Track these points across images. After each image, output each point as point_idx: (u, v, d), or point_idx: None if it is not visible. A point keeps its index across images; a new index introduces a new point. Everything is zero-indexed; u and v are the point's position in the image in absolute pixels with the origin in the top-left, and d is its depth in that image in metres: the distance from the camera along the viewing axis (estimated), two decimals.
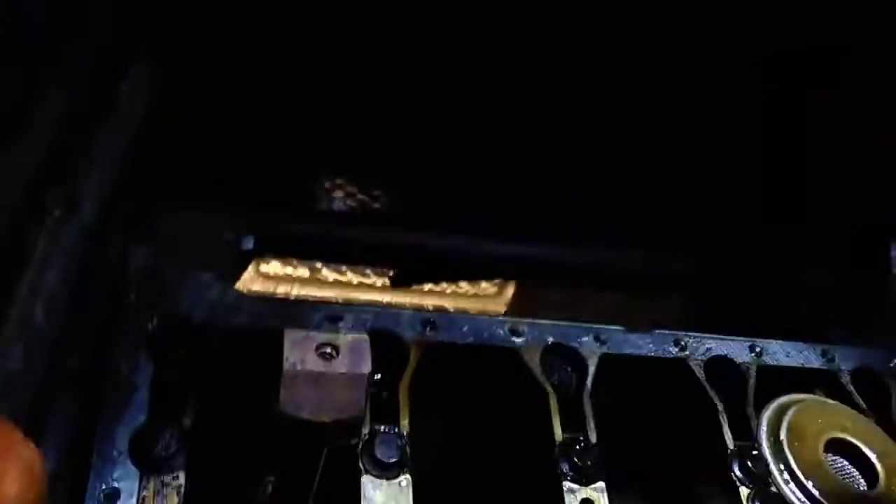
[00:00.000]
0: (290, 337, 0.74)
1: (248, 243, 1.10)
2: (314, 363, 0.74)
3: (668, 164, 1.49)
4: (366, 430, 0.97)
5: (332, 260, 1.35)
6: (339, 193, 1.38)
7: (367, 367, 0.77)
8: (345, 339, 0.78)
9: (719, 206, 1.48)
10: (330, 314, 1.02)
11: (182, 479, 0.87)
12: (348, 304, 0.89)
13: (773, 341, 1.25)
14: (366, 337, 0.79)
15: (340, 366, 0.76)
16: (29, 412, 0.67)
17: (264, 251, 1.18)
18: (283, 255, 1.28)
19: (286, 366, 0.73)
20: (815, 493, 0.88)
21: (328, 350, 0.76)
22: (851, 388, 1.20)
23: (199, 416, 0.90)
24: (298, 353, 0.74)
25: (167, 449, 0.86)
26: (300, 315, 0.98)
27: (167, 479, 0.86)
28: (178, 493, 0.86)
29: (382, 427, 0.98)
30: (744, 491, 1.08)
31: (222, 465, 0.93)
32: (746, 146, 1.41)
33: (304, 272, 1.58)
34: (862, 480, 0.94)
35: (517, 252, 1.43)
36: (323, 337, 0.77)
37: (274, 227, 1.17)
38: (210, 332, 0.97)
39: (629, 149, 1.48)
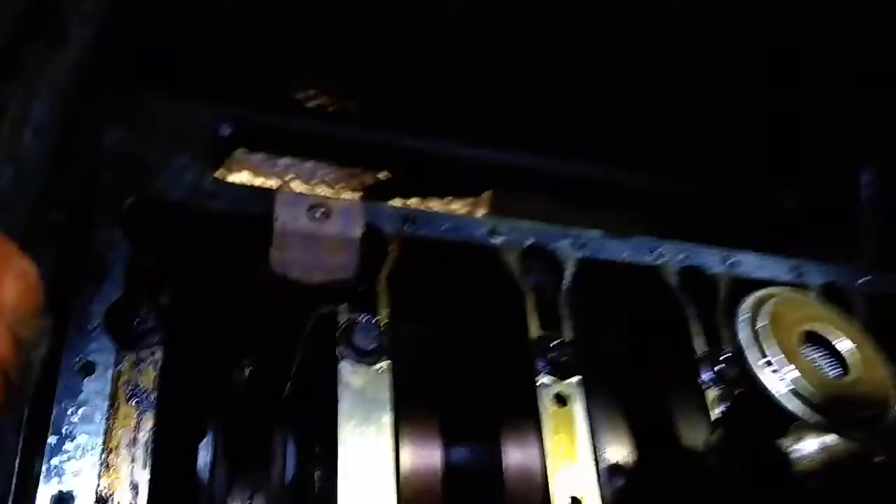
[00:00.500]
0: (282, 197, 0.72)
1: (225, 131, 1.07)
2: (306, 223, 0.72)
3: (651, 77, 1.48)
4: (344, 319, 0.97)
5: (306, 156, 1.32)
6: (314, 92, 1.34)
7: (359, 230, 0.76)
8: (336, 202, 0.77)
9: (699, 119, 1.48)
10: (310, 204, 1.01)
11: (159, 356, 0.85)
12: (328, 198, 0.87)
13: (746, 253, 1.26)
14: (358, 201, 0.78)
15: (332, 227, 0.74)
16: (20, 236, 0.65)
17: (240, 142, 1.15)
18: (258, 148, 1.25)
19: (277, 224, 0.71)
20: (791, 378, 0.90)
21: (320, 212, 0.75)
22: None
23: (176, 295, 0.89)
24: (289, 212, 0.72)
25: (143, 324, 0.85)
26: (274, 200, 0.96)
27: (144, 354, 0.85)
28: (155, 369, 0.85)
29: (361, 316, 0.98)
30: (711, 393, 1.11)
31: (201, 346, 0.92)
32: (729, 61, 1.41)
33: (273, 183, 1.55)
34: (836, 369, 0.97)
35: (496, 159, 1.42)
36: (314, 199, 0.75)
37: (251, 117, 1.14)
38: (186, 214, 0.94)
39: (613, 61, 1.46)
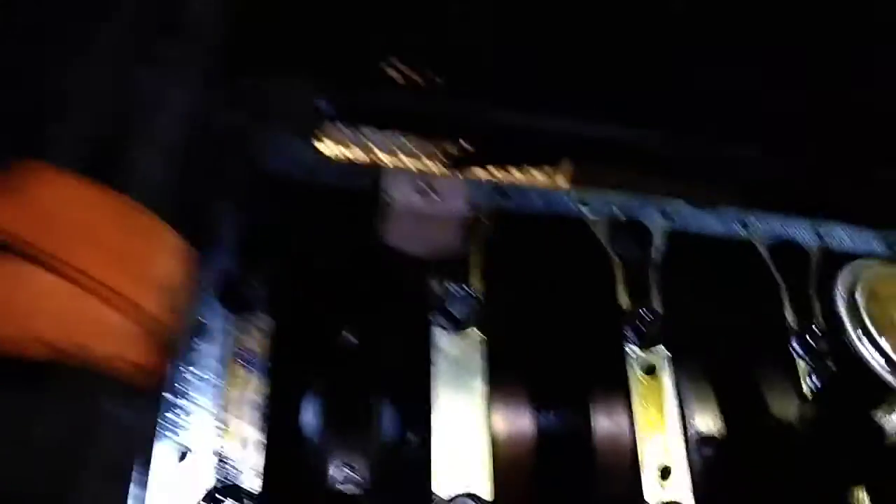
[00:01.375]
0: (390, 175, 0.76)
1: (324, 106, 1.11)
2: (416, 201, 0.75)
3: (731, 49, 1.46)
4: (439, 288, 1.00)
5: (395, 129, 1.34)
6: (404, 69, 1.37)
7: (464, 206, 0.78)
8: (442, 180, 0.79)
9: (786, 92, 1.46)
10: (418, 182, 1.03)
11: (268, 322, 0.90)
12: (434, 175, 0.89)
13: (837, 225, 1.24)
14: (461, 178, 0.80)
15: (440, 205, 0.77)
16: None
17: (339, 117, 1.19)
18: (350, 122, 1.29)
19: (389, 202, 0.74)
20: (888, 349, 0.89)
21: (428, 189, 0.78)
22: None
23: (284, 265, 0.93)
24: (400, 190, 0.76)
25: (255, 292, 0.89)
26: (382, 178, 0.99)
27: (253, 320, 0.90)
28: (263, 334, 0.89)
29: (455, 286, 1.00)
30: (801, 365, 1.11)
31: (306, 313, 0.97)
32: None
33: (364, 156, 1.58)
34: None
35: (577, 130, 1.42)
36: (421, 177, 0.78)
37: (347, 94, 1.17)
38: (294, 188, 0.98)
39: (691, 31, 1.45)
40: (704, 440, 1.06)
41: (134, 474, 0.79)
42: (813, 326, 1.12)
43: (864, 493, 1.07)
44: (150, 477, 0.79)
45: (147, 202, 0.65)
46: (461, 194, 0.79)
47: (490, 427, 0.96)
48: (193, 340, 0.86)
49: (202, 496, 0.79)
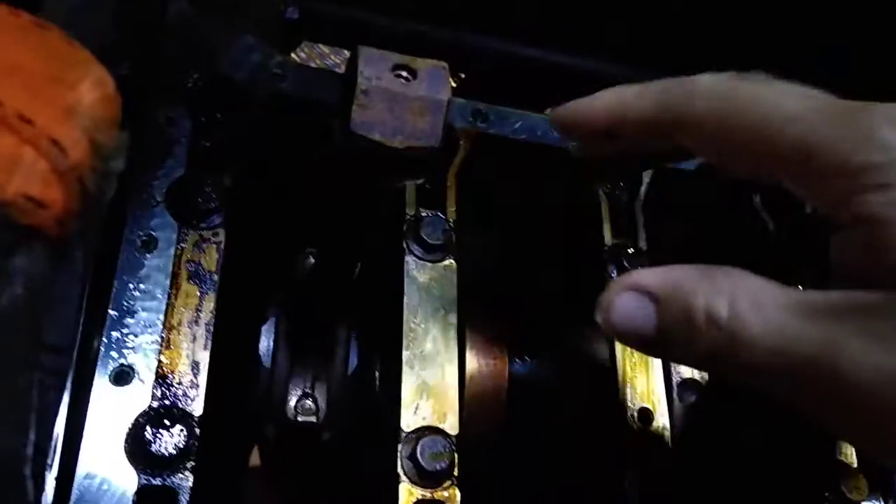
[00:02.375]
0: (366, 54, 0.67)
1: (294, 14, 1.02)
2: (391, 81, 0.67)
3: None
4: (411, 213, 0.93)
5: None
6: None
7: (446, 94, 0.70)
8: (423, 62, 0.71)
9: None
10: (395, 63, 0.94)
11: (222, 237, 0.82)
12: (414, 58, 0.80)
13: None
14: (445, 64, 0.72)
15: (418, 89, 0.69)
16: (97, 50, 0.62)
17: (307, 30, 1.11)
18: (323, 39, 1.20)
19: (360, 80, 0.66)
20: None
21: (405, 71, 0.70)
22: None
23: (241, 177, 0.85)
24: (373, 69, 0.67)
25: (207, 203, 0.82)
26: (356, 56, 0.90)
27: (206, 234, 0.82)
28: (217, 251, 0.82)
29: (429, 212, 0.93)
30: None
31: (265, 230, 0.89)
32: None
33: None
34: None
35: (564, 61, 1.34)
36: (399, 57, 0.70)
37: (319, 5, 1.09)
38: (252, 95, 0.90)
39: None
40: (687, 385, 1.00)
41: (68, 393, 0.73)
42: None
43: (851, 448, 1.03)
44: (90, 396, 0.73)
45: (74, 33, 0.57)
46: (443, 80, 0.71)
47: (461, 361, 0.90)
48: (139, 252, 0.79)
49: (143, 417, 0.72)
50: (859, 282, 0.52)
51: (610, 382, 0.94)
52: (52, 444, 0.69)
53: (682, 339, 0.55)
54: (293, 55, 1.19)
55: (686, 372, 1.02)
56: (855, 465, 1.01)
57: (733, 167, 0.61)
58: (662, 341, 0.56)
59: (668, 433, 0.92)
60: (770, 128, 0.56)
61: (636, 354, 0.96)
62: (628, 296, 0.58)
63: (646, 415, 0.92)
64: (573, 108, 0.70)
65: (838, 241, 0.54)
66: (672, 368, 1.01)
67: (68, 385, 0.70)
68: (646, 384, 0.95)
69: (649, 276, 0.57)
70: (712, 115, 0.60)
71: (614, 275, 0.99)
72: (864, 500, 0.97)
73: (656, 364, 0.96)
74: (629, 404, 0.93)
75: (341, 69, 1.23)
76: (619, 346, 0.95)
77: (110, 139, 0.54)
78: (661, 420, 0.93)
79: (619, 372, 0.94)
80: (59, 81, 0.51)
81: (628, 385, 0.94)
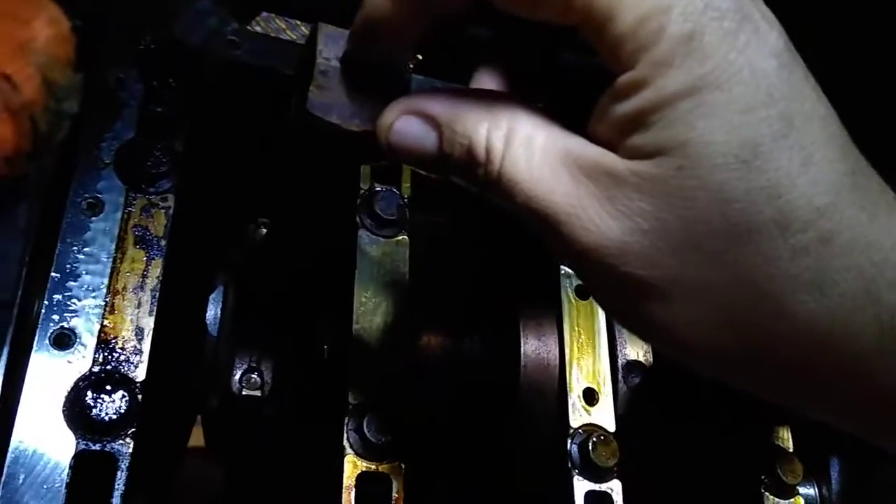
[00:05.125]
0: (324, 31, 0.65)
1: None
2: (349, 63, 0.65)
3: None
4: (365, 187, 0.93)
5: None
6: None
7: (406, 75, 0.69)
8: None
9: None
10: None
11: (171, 203, 0.81)
12: None
13: None
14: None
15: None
16: None
17: (270, 4, 1.09)
18: (283, 11, 1.18)
19: (318, 59, 0.64)
20: None
21: None
22: None
23: (192, 143, 0.84)
24: (333, 49, 0.65)
25: (156, 167, 0.80)
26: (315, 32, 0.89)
27: (155, 199, 0.80)
28: (166, 216, 0.80)
29: (383, 186, 0.93)
30: None
31: (216, 198, 0.88)
32: None
33: None
34: None
35: None
36: None
37: None
38: (205, 60, 0.88)
39: None
40: (633, 366, 1.02)
41: (6, 352, 0.71)
42: None
43: (788, 432, 1.06)
44: (28, 361, 0.71)
45: None
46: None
47: (411, 337, 0.90)
48: (84, 214, 0.77)
49: (83, 381, 0.71)
50: (610, 137, 0.51)
51: (556, 361, 0.95)
52: None
53: (461, 165, 0.55)
54: (250, 27, 1.16)
55: (632, 353, 1.04)
56: (791, 449, 1.04)
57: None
58: (442, 165, 0.57)
59: (611, 413, 0.93)
60: None
61: (583, 335, 0.98)
62: (410, 120, 0.58)
63: (590, 394, 0.93)
64: (357, 20, 0.60)
65: (609, 96, 0.52)
66: (619, 350, 1.03)
67: (6, 344, 0.68)
68: (591, 364, 0.96)
69: (433, 103, 0.57)
70: None
71: None
72: (799, 484, 1.00)
73: (603, 345, 0.97)
74: (574, 384, 0.94)
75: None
76: (566, 327, 0.96)
77: (64, 78, 0.53)
78: (606, 401, 0.94)
79: (567, 352, 0.95)
80: (12, 18, 0.49)
81: (574, 364, 0.95)
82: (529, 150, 0.52)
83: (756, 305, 0.50)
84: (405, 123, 0.58)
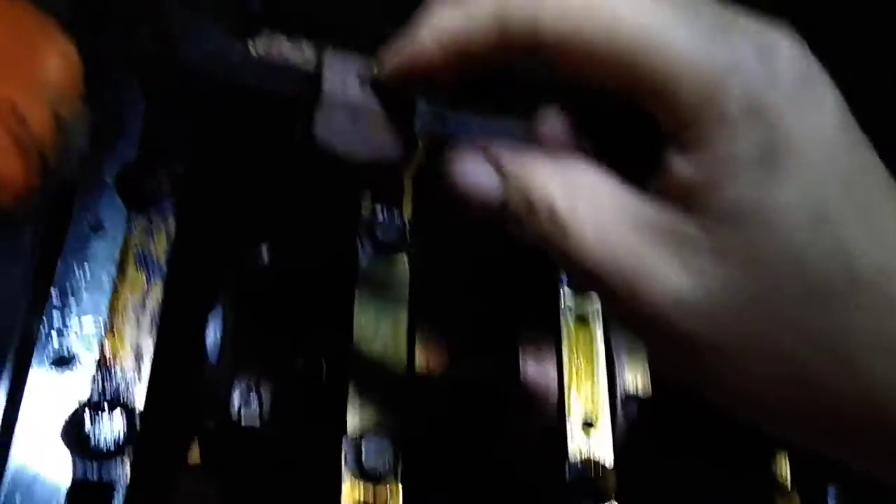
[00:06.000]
0: (330, 61, 0.65)
1: (255, 4, 1.01)
2: (355, 92, 0.65)
3: None
4: (366, 209, 0.93)
5: (335, 44, 1.24)
6: None
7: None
8: None
9: None
10: (360, 71, 0.93)
11: (173, 225, 0.81)
12: None
13: None
14: None
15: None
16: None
17: (271, 23, 1.09)
18: (292, 33, 1.18)
19: (324, 90, 0.64)
20: None
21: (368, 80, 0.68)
22: None
23: (195, 165, 0.84)
24: (338, 79, 0.65)
25: (158, 189, 0.80)
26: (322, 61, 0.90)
27: (156, 221, 0.80)
28: (167, 240, 0.80)
29: (384, 208, 0.93)
30: None
31: (218, 221, 0.88)
32: None
33: None
34: None
35: None
36: (363, 64, 0.68)
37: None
38: (208, 81, 0.89)
39: None
40: (631, 396, 1.01)
41: (7, 376, 0.71)
42: None
43: (787, 468, 1.06)
44: (26, 381, 0.71)
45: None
46: None
47: (410, 361, 0.89)
48: (86, 235, 0.77)
49: (81, 407, 0.70)
50: (678, 197, 0.50)
51: (556, 386, 0.95)
52: None
53: (521, 219, 0.54)
54: (251, 47, 1.17)
55: (631, 383, 1.03)
56: (789, 483, 1.04)
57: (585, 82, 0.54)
58: (502, 213, 0.56)
59: (609, 442, 0.93)
60: (634, 53, 0.49)
61: (582, 360, 0.97)
62: (479, 161, 0.57)
63: (589, 421, 0.93)
64: (398, 55, 0.60)
65: (675, 155, 0.51)
66: (617, 378, 1.02)
67: (7, 367, 0.68)
68: (590, 391, 0.95)
69: (501, 150, 0.56)
70: (563, 34, 0.51)
71: (564, 278, 0.99)
72: None
73: (601, 372, 0.97)
74: (572, 410, 0.93)
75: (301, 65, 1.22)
76: (565, 352, 0.96)
77: (73, 113, 0.53)
78: (604, 429, 0.93)
79: (565, 377, 0.95)
80: (24, 52, 0.49)
81: (573, 390, 0.95)
82: (597, 210, 0.51)
83: (829, 368, 0.49)
84: (473, 163, 0.58)
